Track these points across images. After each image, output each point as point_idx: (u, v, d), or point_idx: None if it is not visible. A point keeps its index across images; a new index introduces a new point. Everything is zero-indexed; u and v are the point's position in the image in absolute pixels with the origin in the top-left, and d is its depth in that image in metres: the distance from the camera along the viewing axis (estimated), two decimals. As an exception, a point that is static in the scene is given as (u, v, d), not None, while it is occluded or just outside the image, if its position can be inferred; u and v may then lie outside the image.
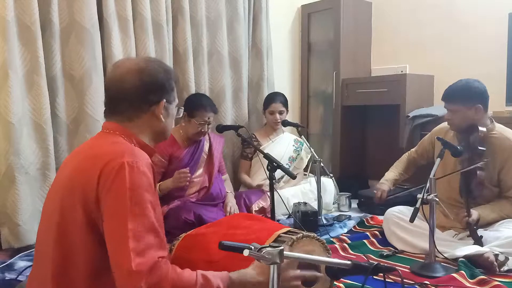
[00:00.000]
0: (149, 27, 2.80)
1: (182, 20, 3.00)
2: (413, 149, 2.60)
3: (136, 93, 1.15)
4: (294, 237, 1.32)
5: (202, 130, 2.59)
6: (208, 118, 2.59)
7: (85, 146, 1.22)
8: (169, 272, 0.99)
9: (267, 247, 0.93)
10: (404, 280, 1.80)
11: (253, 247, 0.93)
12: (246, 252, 0.91)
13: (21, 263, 2.10)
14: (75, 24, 2.50)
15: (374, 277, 1.66)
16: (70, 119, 2.55)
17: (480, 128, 2.11)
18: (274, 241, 1.34)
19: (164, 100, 1.19)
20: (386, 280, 1.42)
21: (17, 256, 2.19)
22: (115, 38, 2.65)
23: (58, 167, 2.44)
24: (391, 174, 2.56)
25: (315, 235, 1.41)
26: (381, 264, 1.07)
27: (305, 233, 1.37)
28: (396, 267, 1.15)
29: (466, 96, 2.13)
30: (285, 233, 1.39)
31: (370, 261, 1.83)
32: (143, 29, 2.78)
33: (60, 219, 1.07)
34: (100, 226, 1.04)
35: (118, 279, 0.98)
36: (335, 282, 1.66)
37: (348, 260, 1.07)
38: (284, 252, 0.93)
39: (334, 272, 1.14)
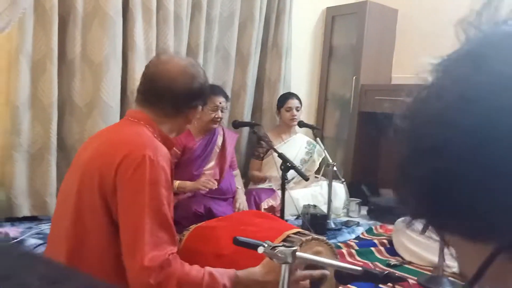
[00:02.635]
0: (171, 20, 2.82)
1: (199, 15, 3.02)
2: None
3: (184, 96, 1.20)
4: (303, 238, 1.32)
5: (216, 116, 2.59)
6: (220, 103, 2.60)
7: (107, 131, 1.23)
8: (177, 268, 1.01)
9: (281, 246, 0.93)
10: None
11: (266, 245, 0.93)
12: (260, 250, 0.91)
13: (32, 240, 2.14)
14: (99, 10, 2.53)
15: (381, 285, 1.65)
16: (84, 103, 2.59)
17: None
18: (283, 241, 1.34)
19: (200, 106, 1.26)
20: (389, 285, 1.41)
21: (28, 233, 2.23)
22: (138, 28, 2.68)
23: (66, 150, 2.58)
24: None
25: (324, 238, 1.40)
26: (392, 273, 1.07)
27: (314, 235, 1.37)
28: (407, 278, 1.14)
29: None
30: (294, 233, 1.39)
31: (380, 269, 1.82)
32: (165, 21, 2.81)
33: (78, 201, 1.08)
34: (114, 214, 1.05)
35: (129, 271, 1.00)
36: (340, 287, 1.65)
37: (360, 266, 1.07)
38: (297, 253, 0.93)
39: (343, 277, 1.14)
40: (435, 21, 3.66)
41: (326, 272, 1.23)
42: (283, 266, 0.92)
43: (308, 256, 0.98)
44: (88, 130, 2.58)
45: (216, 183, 2.46)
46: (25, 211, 2.44)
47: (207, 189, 2.42)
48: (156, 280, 0.97)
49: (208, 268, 1.06)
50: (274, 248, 0.92)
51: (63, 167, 2.58)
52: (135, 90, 2.69)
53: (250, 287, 1.10)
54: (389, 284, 1.12)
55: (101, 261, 1.07)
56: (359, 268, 1.06)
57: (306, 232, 1.41)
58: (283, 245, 0.94)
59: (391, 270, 2.08)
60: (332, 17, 3.90)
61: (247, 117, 3.38)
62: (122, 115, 2.68)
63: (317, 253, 1.30)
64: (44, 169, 2.47)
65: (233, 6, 3.20)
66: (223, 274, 1.07)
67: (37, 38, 2.40)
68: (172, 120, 1.22)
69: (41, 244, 2.01)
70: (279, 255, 0.91)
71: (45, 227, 2.34)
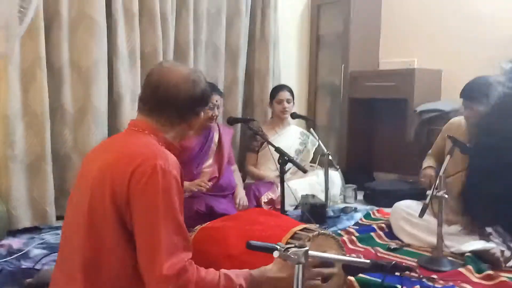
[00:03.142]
0: (157, 20, 2.81)
1: (186, 13, 3.01)
2: (431, 149, 2.59)
3: (188, 104, 1.21)
4: (310, 234, 1.35)
5: (213, 114, 2.61)
6: (216, 101, 2.62)
7: (114, 143, 1.25)
8: (194, 274, 1.04)
9: (293, 246, 0.97)
10: (411, 274, 1.84)
11: (279, 247, 0.97)
12: (276, 254, 0.95)
13: (36, 251, 2.13)
14: (85, 15, 2.51)
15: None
16: (75, 109, 2.58)
17: None
18: (291, 238, 1.38)
19: (202, 112, 1.27)
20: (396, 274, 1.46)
21: (31, 245, 2.22)
22: (120, 32, 2.67)
23: (60, 157, 2.56)
24: (430, 161, 2.46)
25: (330, 232, 1.44)
26: (399, 263, 1.11)
27: (320, 231, 1.40)
28: (412, 266, 1.19)
29: (487, 95, 2.10)
30: (301, 230, 1.43)
31: (387, 259, 1.86)
32: (151, 22, 2.80)
33: (90, 214, 1.10)
34: (128, 224, 1.07)
35: (147, 280, 1.03)
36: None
37: (368, 259, 1.12)
38: (309, 252, 0.97)
39: (351, 269, 1.18)
40: (419, 4, 3.70)
41: (335, 270, 1.27)
42: (297, 266, 0.96)
43: (319, 254, 1.02)
44: (81, 136, 2.58)
45: (209, 184, 2.49)
46: (26, 222, 2.42)
47: (202, 188, 2.45)
48: (175, 286, 1.00)
49: (223, 270, 1.10)
50: (286, 250, 0.95)
51: (59, 175, 2.58)
52: (121, 94, 2.70)
53: (264, 285, 1.14)
54: (396, 273, 1.18)
55: (118, 272, 1.08)
56: (367, 261, 1.10)
57: (312, 227, 1.45)
58: (295, 246, 0.98)
59: (392, 254, 2.13)
60: (317, 6, 3.91)
61: (240, 112, 3.40)
62: (110, 119, 2.69)
63: (324, 248, 1.34)
64: (41, 178, 2.45)
65: (220, 1, 3.20)
66: (238, 275, 1.10)
67: (24, 46, 2.36)
68: (176, 128, 1.23)
69: (47, 255, 2.01)
70: (292, 256, 0.95)
71: (48, 237, 2.35)
